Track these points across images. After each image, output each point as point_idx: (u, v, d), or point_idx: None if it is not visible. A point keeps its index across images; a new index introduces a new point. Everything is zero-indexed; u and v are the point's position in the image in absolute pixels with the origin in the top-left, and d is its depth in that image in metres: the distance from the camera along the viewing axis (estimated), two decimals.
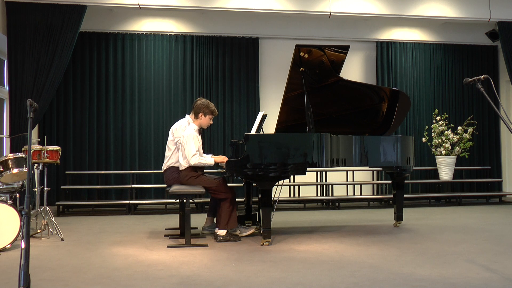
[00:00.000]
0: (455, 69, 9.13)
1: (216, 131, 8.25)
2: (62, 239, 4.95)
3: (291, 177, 7.69)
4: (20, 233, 4.44)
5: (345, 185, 8.24)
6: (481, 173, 9.07)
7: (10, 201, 4.67)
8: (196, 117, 4.96)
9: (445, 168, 8.38)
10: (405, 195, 6.43)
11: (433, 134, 8.50)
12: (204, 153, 5.06)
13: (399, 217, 5.69)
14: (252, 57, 8.43)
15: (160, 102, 8.15)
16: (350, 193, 8.31)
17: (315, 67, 5.14)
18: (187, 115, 5.26)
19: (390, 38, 8.85)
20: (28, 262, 2.53)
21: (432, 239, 4.84)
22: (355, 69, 8.85)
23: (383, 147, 5.21)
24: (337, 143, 4.84)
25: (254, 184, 5.32)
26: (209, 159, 4.82)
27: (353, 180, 8.34)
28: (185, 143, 4.77)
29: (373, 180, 8.66)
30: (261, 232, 4.63)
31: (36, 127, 7.67)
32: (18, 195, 5.14)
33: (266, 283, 3.26)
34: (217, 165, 4.93)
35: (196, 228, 5.48)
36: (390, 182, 7.51)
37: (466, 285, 3.17)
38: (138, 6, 7.21)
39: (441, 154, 8.41)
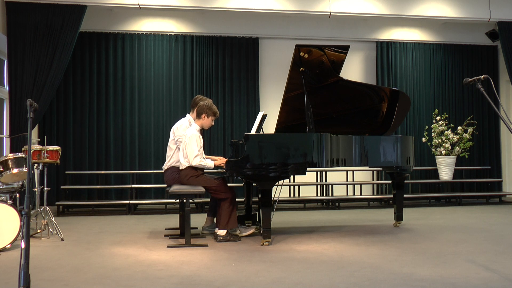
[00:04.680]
0: (455, 69, 9.13)
1: (216, 131, 8.25)
2: (62, 239, 4.95)
3: (291, 177, 7.69)
4: (20, 233, 4.44)
5: (345, 185, 8.24)
6: (481, 173, 9.08)
7: (10, 201, 4.67)
8: (199, 117, 4.95)
9: (445, 168, 8.38)
10: (405, 195, 6.43)
11: (433, 134, 8.50)
12: (204, 153, 5.06)
13: (399, 217, 5.69)
14: (252, 57, 8.43)
15: (160, 102, 8.15)
16: (350, 193, 8.31)
17: (315, 67, 5.14)
18: (187, 115, 5.26)
19: (390, 38, 8.85)
20: (28, 262, 2.53)
21: (432, 239, 4.84)
22: (355, 69, 8.85)
23: (383, 147, 5.21)
24: (337, 143, 4.84)
25: (254, 184, 5.32)
26: (209, 162, 4.82)
27: (353, 180, 8.34)
28: (187, 143, 4.76)
29: (373, 180, 8.66)
30: (261, 232, 4.63)
31: (36, 127, 7.67)
32: (18, 195, 5.14)
33: (266, 283, 3.26)
34: (217, 166, 4.93)
35: (196, 228, 5.48)
36: (390, 182, 7.51)
37: (466, 285, 3.16)
38: (138, 6, 7.21)
39: (441, 154, 8.41)
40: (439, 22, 8.69)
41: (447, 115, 8.63)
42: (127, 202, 7.40)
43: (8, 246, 4.42)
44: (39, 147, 5.13)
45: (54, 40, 6.93)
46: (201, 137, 4.89)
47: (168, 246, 4.56)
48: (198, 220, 5.92)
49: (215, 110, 4.97)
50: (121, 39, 8.12)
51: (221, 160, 4.90)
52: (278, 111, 5.38)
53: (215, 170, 5.25)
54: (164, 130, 8.04)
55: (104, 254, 4.25)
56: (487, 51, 9.27)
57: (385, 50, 8.82)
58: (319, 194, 8.21)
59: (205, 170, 4.96)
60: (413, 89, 8.93)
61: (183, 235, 4.77)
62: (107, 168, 7.94)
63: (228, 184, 5.08)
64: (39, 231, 5.16)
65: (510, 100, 9.35)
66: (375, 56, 8.90)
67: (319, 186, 8.20)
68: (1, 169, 4.72)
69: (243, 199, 6.13)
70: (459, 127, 8.48)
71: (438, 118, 8.53)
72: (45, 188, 5.34)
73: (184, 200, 4.66)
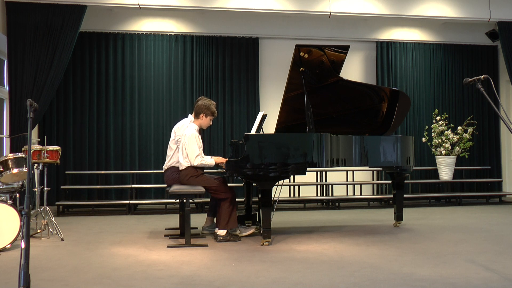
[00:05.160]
0: (455, 69, 9.13)
1: (216, 131, 8.25)
2: (62, 239, 4.95)
3: (291, 177, 7.69)
4: (20, 233, 4.44)
5: (345, 185, 8.24)
6: (481, 173, 9.08)
7: (10, 201, 4.67)
8: (197, 117, 4.96)
9: (445, 168, 8.38)
10: (405, 195, 6.43)
11: (433, 134, 8.50)
12: (203, 153, 5.06)
13: (399, 217, 5.69)
14: (252, 57, 8.43)
15: (160, 102, 8.15)
16: (350, 193, 8.31)
17: (315, 67, 5.14)
18: (190, 115, 5.26)
19: (390, 38, 8.85)
20: (28, 262, 2.53)
21: (432, 239, 4.84)
22: (355, 69, 8.85)
23: (383, 147, 5.21)
24: (337, 143, 4.84)
25: (254, 184, 5.32)
26: (210, 160, 4.83)
27: (353, 180, 8.34)
28: (187, 143, 4.76)
29: (373, 180, 8.66)
30: (261, 232, 4.63)
31: (36, 127, 7.67)
32: (18, 195, 5.14)
33: (266, 283, 3.26)
34: (217, 165, 4.93)
35: (196, 228, 5.48)
36: (390, 182, 7.52)
37: (466, 285, 3.17)
38: (138, 6, 7.21)
39: (441, 154, 8.41)
40: (439, 22, 8.69)
41: (447, 115, 8.63)
42: (127, 202, 7.40)
43: (8, 246, 4.42)
44: (39, 147, 5.13)
45: (54, 40, 6.93)
46: (199, 136, 4.89)
47: (168, 246, 4.56)
48: (198, 220, 5.92)
49: (213, 110, 4.97)
50: (121, 39, 8.12)
51: (220, 159, 4.90)
52: (278, 111, 5.38)
53: (215, 170, 5.25)
54: (164, 130, 8.04)
55: (104, 254, 4.25)
56: (487, 51, 9.27)
57: (385, 50, 8.82)
58: (319, 194, 8.21)
59: (205, 170, 4.96)
60: (413, 89, 8.93)
61: (183, 235, 4.77)
62: (107, 168, 7.94)
63: (228, 184, 5.08)
64: (39, 231, 5.16)
65: (510, 100, 9.35)
66: (375, 56, 8.90)
67: (319, 186, 8.20)
68: (1, 169, 4.72)
69: (243, 199, 6.13)
70: (459, 127, 8.48)
71: (438, 118, 8.53)
72: (45, 188, 5.34)
73: (184, 200, 4.66)
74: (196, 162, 4.75)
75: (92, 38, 8.04)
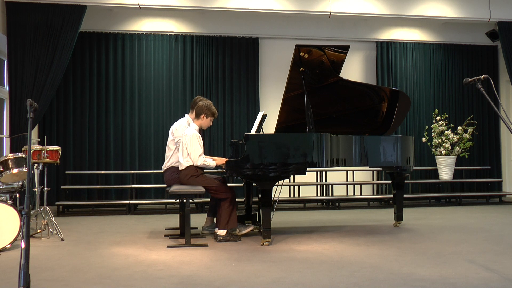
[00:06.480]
0: (455, 69, 9.13)
1: (216, 131, 8.25)
2: (62, 239, 4.95)
3: (291, 177, 7.69)
4: (20, 233, 4.44)
5: (345, 185, 8.24)
6: (481, 173, 9.07)
7: (10, 201, 4.67)
8: (197, 117, 4.96)
9: (445, 168, 8.38)
10: (405, 195, 6.44)
11: (433, 134, 8.50)
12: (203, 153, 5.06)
13: (399, 217, 5.69)
14: (252, 57, 8.43)
15: (160, 102, 8.15)
16: (350, 193, 8.31)
17: (315, 67, 5.14)
18: (186, 115, 5.27)
19: (390, 38, 8.85)
20: (28, 262, 2.53)
21: (432, 239, 4.84)
22: (355, 69, 8.85)
23: (383, 147, 5.21)
24: (337, 143, 4.84)
25: (254, 184, 5.32)
26: (212, 162, 4.83)
27: (353, 180, 8.34)
28: (188, 143, 4.76)
29: (373, 180, 8.66)
30: (261, 232, 4.63)
31: (36, 127, 7.67)
32: (18, 195, 5.14)
33: (266, 283, 3.26)
34: (217, 165, 4.93)
35: (196, 228, 5.48)
36: (390, 182, 7.52)
37: (466, 285, 3.16)
38: (138, 6, 7.21)
39: (441, 154, 8.41)
40: (439, 22, 8.69)
41: (447, 115, 8.63)
42: (127, 202, 7.40)
43: (8, 246, 4.42)
44: (39, 147, 5.13)
45: (54, 40, 6.93)
46: (200, 136, 4.89)
47: (168, 246, 4.56)
48: (198, 220, 5.92)
49: (214, 111, 4.98)
50: (121, 39, 8.11)
51: (221, 160, 4.91)
52: (278, 111, 5.38)
53: (215, 170, 5.25)
54: (164, 130, 8.04)
55: (104, 254, 4.25)
56: (487, 51, 9.27)
57: (385, 50, 8.82)
58: (319, 194, 8.21)
59: (205, 170, 4.96)
60: (413, 89, 8.92)
61: (183, 235, 4.77)
62: (107, 168, 7.94)
63: (228, 184, 5.09)
64: (39, 231, 5.16)
65: (510, 100, 9.35)
66: (375, 56, 8.90)
67: (319, 186, 8.20)
68: (1, 169, 4.72)
69: (243, 199, 6.13)
70: (459, 127, 8.48)
71: (438, 118, 8.53)
72: (45, 188, 5.34)
73: (184, 200, 4.66)
74: (199, 162, 4.75)
75: (92, 38, 8.04)
